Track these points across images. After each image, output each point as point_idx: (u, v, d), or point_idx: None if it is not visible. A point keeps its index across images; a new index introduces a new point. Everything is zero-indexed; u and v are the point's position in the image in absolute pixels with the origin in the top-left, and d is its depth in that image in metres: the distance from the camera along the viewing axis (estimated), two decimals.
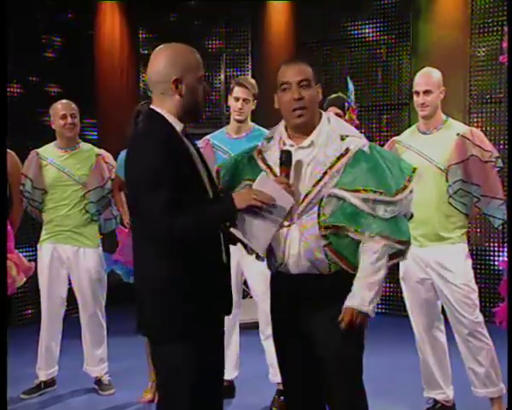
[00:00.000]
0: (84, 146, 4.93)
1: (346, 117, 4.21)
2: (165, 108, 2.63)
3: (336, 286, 2.79)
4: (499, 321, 3.68)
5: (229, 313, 2.82)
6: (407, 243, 2.81)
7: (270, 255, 2.88)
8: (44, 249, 4.84)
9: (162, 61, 2.62)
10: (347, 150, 2.78)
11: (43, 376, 4.89)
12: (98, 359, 4.93)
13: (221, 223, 2.63)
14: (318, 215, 2.75)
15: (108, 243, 5.20)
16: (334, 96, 4.37)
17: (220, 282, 2.71)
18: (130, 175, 2.59)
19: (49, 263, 4.80)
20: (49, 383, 4.93)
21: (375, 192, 2.72)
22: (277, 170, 2.80)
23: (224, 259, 2.72)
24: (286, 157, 2.75)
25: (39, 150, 4.88)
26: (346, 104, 4.27)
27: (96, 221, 4.89)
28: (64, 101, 4.84)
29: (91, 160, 4.85)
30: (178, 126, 2.64)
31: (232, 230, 2.59)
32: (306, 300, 2.81)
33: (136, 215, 2.64)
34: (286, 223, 2.77)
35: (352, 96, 4.40)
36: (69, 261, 4.83)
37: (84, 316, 4.90)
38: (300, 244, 2.77)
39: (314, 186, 2.76)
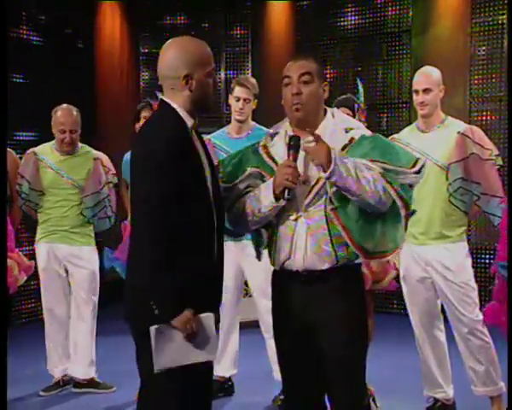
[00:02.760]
0: (82, 148, 4.85)
1: (356, 119, 4.20)
2: (176, 102, 2.61)
3: (341, 284, 2.79)
4: (488, 321, 3.66)
5: (215, 310, 2.74)
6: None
7: (276, 251, 2.86)
8: (41, 248, 4.82)
9: (172, 56, 2.60)
10: (352, 140, 2.81)
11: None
12: (90, 360, 4.85)
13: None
14: (325, 205, 2.74)
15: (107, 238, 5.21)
16: (343, 96, 4.34)
17: (210, 280, 2.66)
18: (137, 158, 2.56)
19: (46, 261, 4.77)
20: (67, 381, 4.90)
21: (392, 164, 2.73)
22: None
23: (214, 257, 2.67)
24: (295, 142, 2.75)
25: (37, 150, 4.79)
26: (356, 106, 4.25)
27: (92, 223, 4.87)
28: (66, 111, 4.69)
29: (89, 164, 4.79)
30: (189, 122, 2.63)
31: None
32: (310, 298, 2.80)
33: (135, 202, 2.59)
34: (293, 216, 2.77)
35: (362, 98, 4.38)
36: (65, 260, 4.81)
37: (78, 315, 4.83)
38: (307, 237, 2.76)
39: (321, 177, 2.75)
